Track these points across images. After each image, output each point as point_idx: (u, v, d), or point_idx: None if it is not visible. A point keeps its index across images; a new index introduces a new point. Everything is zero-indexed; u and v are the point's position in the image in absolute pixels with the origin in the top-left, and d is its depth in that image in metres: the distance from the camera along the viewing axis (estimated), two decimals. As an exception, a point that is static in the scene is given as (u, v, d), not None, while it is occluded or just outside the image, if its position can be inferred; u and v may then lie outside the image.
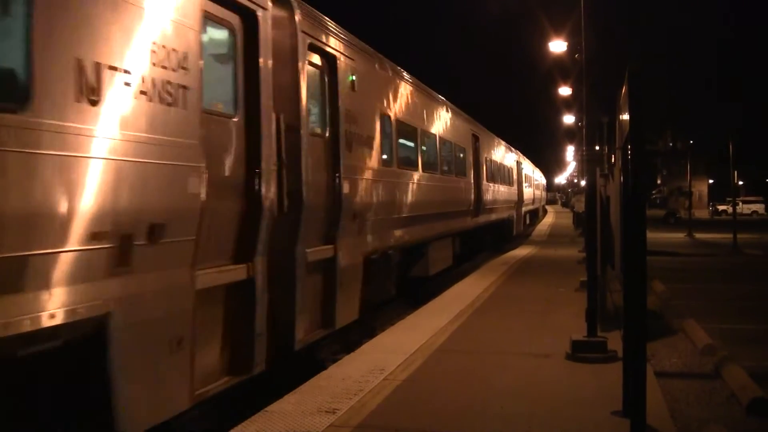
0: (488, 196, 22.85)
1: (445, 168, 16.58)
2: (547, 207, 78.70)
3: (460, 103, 20.12)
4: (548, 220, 53.90)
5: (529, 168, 45.05)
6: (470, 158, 19.88)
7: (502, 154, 29.11)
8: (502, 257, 21.76)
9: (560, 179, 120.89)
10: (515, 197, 32.26)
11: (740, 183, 63.25)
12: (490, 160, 24.17)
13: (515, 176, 33.10)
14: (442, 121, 16.32)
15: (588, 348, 7.97)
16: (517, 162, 34.70)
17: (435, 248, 15.08)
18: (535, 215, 53.99)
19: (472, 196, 19.84)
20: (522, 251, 24.03)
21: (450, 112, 17.58)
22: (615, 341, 7.86)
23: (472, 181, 20.03)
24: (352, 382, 7.03)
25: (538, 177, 60.01)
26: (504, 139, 33.47)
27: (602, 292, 9.26)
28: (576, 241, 27.12)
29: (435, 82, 18.24)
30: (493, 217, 24.79)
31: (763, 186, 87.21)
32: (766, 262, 21.98)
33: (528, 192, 41.94)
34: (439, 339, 9.18)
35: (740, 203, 58.70)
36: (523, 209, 37.18)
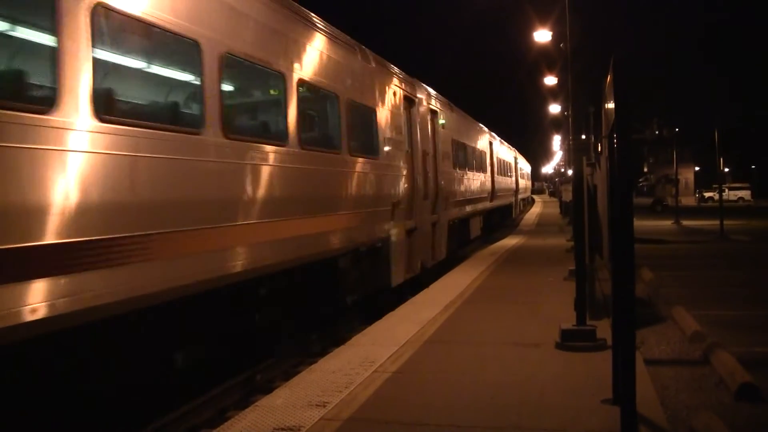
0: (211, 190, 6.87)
1: None
2: (534, 197, 78.97)
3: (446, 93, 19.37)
4: (536, 210, 54.10)
5: (488, 142, 28.82)
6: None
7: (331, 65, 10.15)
8: (490, 247, 21.80)
9: (547, 169, 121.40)
10: (422, 189, 15.02)
11: (726, 170, 63.58)
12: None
13: (430, 145, 16.09)
14: None
15: (577, 337, 7.99)
16: (432, 111, 16.67)
17: None
18: (508, 212, 38.99)
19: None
20: (510, 241, 24.09)
21: None
22: (604, 329, 7.87)
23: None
24: (342, 375, 7.02)
25: (505, 154, 38.12)
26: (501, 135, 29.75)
27: (591, 281, 9.27)
28: (564, 230, 27.22)
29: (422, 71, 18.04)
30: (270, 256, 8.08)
31: (749, 172, 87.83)
32: (753, 248, 22.11)
33: (475, 179, 24.11)
34: (428, 330, 9.18)
35: (726, 190, 59.13)
36: (470, 208, 22.52)
